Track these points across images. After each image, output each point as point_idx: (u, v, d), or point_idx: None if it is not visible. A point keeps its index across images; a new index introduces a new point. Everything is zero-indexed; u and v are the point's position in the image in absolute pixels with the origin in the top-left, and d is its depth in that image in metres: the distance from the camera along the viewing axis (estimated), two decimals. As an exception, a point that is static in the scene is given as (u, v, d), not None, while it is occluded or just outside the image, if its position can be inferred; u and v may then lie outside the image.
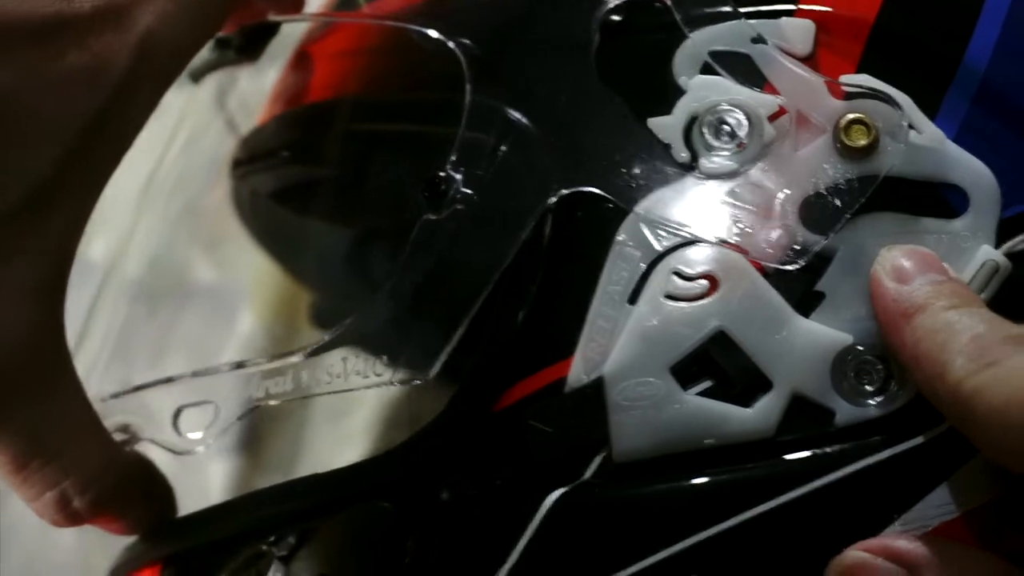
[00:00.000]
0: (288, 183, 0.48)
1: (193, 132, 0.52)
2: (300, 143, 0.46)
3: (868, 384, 0.36)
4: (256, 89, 0.51)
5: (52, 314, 0.38)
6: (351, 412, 0.72)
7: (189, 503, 0.70)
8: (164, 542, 0.42)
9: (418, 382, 0.39)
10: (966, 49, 0.38)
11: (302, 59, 0.48)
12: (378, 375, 0.39)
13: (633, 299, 0.37)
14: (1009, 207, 0.37)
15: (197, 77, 0.50)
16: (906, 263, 0.35)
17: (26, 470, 0.38)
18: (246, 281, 0.70)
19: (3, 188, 0.35)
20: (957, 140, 0.37)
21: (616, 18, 0.41)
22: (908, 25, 0.38)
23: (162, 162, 0.53)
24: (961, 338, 0.32)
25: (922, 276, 0.34)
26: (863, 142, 0.37)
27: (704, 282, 0.37)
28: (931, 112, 0.38)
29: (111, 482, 0.40)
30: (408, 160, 0.43)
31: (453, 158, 0.39)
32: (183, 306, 0.67)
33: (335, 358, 0.39)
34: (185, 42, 0.39)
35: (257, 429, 0.71)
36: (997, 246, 0.37)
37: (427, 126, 0.42)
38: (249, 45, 0.47)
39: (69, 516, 0.40)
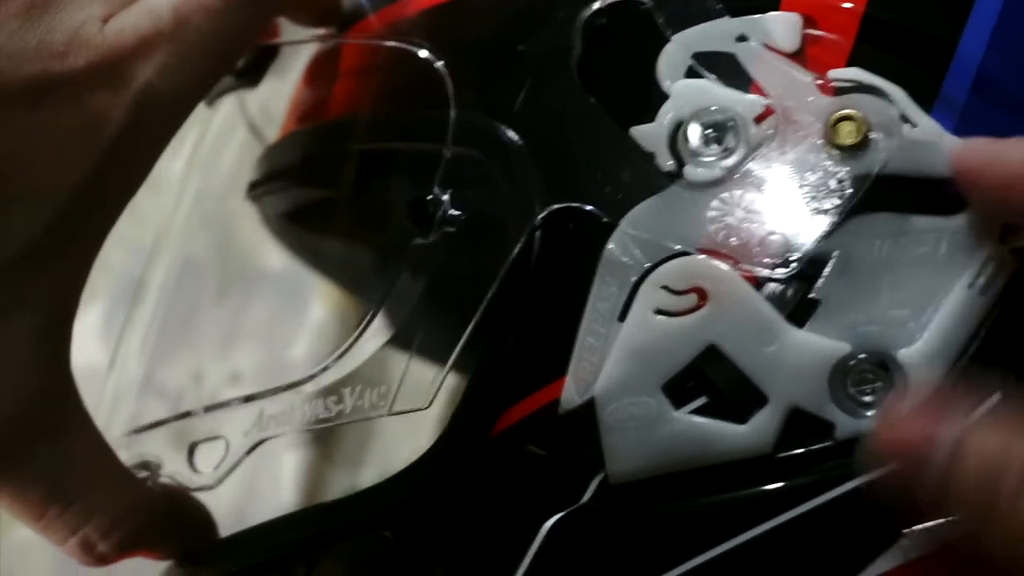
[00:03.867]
0: (299, 203, 0.48)
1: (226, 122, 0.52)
2: (305, 164, 0.45)
3: (868, 395, 0.35)
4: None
5: (57, 363, 0.38)
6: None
7: (262, 496, 0.71)
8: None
9: (417, 411, 0.38)
10: (962, 35, 0.36)
11: (310, 75, 0.48)
12: (375, 407, 0.38)
13: (623, 316, 0.36)
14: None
15: (209, 101, 0.50)
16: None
17: (45, 517, 0.38)
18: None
19: None
20: (956, 132, 0.35)
21: (600, 21, 0.39)
22: (900, 13, 0.37)
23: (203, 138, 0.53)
24: None
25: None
26: (852, 140, 0.36)
27: (693, 296, 0.36)
28: (927, 104, 0.36)
29: (139, 521, 0.40)
30: (402, 179, 0.42)
31: (440, 178, 0.38)
32: (253, 293, 0.67)
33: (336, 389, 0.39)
34: (185, 95, 0.38)
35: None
36: (1001, 241, 0.35)
37: (418, 144, 0.41)
38: (249, 70, 0.47)
39: (96, 558, 0.40)
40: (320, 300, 0.75)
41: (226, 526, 0.47)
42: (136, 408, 0.48)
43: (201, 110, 0.49)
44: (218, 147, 0.53)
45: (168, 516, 0.42)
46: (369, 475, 0.41)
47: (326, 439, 0.74)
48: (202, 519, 0.43)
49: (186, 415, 0.43)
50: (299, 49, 0.48)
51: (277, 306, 0.74)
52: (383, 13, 0.44)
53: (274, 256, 0.67)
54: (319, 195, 0.47)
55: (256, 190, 0.48)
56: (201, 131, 0.54)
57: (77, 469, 0.39)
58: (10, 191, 0.35)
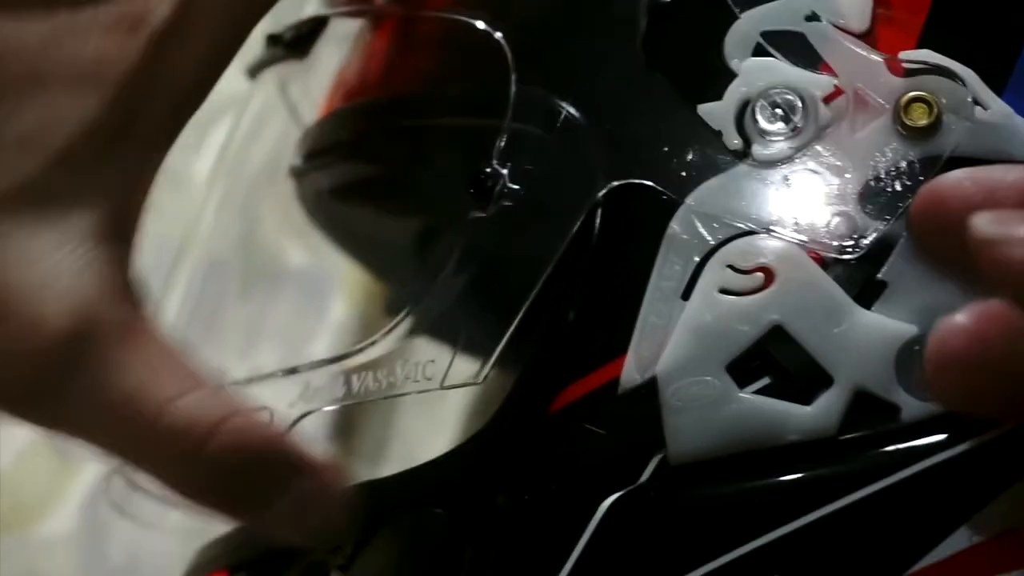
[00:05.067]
0: (346, 180, 0.47)
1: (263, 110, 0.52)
2: (355, 141, 0.45)
3: (935, 377, 0.34)
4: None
5: (120, 266, 0.35)
6: (445, 396, 0.71)
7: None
8: (231, 550, 0.42)
9: (469, 385, 0.37)
10: (1035, 17, 0.36)
11: (358, 50, 0.47)
12: (427, 379, 0.38)
13: (687, 294, 0.36)
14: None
15: (253, 73, 0.49)
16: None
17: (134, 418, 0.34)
18: (338, 267, 0.70)
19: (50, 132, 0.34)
20: (1028, 114, 0.35)
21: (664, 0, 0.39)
22: (972, -5, 0.36)
23: (232, 138, 0.52)
24: None
25: None
26: (925, 121, 0.35)
27: (759, 275, 0.35)
28: (999, 85, 0.35)
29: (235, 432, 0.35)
30: (458, 155, 0.42)
31: (498, 152, 0.38)
32: (275, 291, 0.67)
33: (385, 362, 0.39)
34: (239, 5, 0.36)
35: (348, 415, 0.70)
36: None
37: (476, 119, 0.40)
38: (300, 41, 0.46)
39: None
40: (341, 299, 0.75)
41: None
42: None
43: (234, 100, 0.48)
44: (248, 143, 0.52)
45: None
46: (391, 470, 0.40)
47: (346, 433, 0.73)
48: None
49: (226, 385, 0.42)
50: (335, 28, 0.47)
51: (299, 305, 0.73)
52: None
53: (297, 255, 0.66)
54: (369, 171, 0.46)
55: (303, 165, 0.47)
56: (231, 129, 0.53)
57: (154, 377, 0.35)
58: (51, 75, 0.33)
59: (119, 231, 0.35)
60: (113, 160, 0.35)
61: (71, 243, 0.34)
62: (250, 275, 0.60)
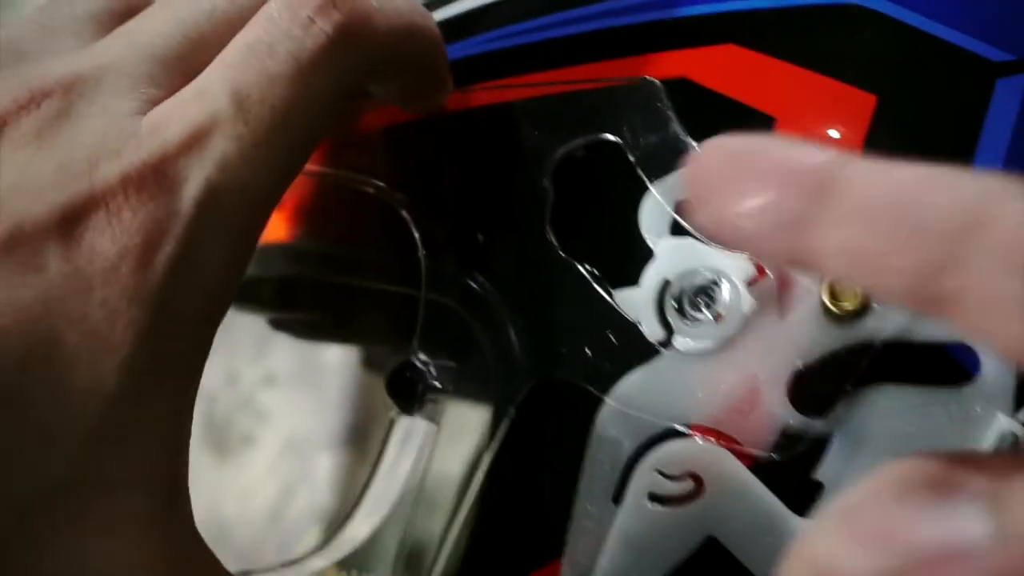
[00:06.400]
0: (277, 314, 0.46)
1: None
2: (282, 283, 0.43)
3: (878, 584, 0.33)
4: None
5: (183, 531, 0.31)
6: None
7: (299, 498, 0.71)
8: None
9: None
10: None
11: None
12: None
13: (617, 497, 0.34)
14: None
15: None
16: None
17: None
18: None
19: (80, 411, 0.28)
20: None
21: (580, 154, 0.36)
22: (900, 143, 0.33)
23: None
24: None
25: None
26: (852, 306, 0.33)
27: (689, 481, 0.34)
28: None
29: None
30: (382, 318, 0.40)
31: (417, 342, 0.36)
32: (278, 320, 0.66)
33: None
34: (260, 185, 0.30)
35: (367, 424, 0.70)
36: (1016, 410, 0.32)
37: (392, 285, 0.39)
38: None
39: None
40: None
41: (266, 527, 0.46)
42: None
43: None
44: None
45: None
46: (390, 526, 0.40)
47: (360, 441, 0.73)
48: None
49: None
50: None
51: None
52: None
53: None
54: (300, 316, 0.45)
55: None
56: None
57: None
58: (67, 346, 0.28)
59: (170, 494, 0.30)
60: (143, 427, 0.29)
61: (126, 533, 0.29)
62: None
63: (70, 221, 0.28)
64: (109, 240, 0.28)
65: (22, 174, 0.28)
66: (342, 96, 0.32)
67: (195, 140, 0.29)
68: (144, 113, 0.30)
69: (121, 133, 0.29)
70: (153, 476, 0.30)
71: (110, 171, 0.29)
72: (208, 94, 0.30)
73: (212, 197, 0.29)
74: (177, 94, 0.30)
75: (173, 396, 0.30)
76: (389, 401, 0.37)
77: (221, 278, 0.30)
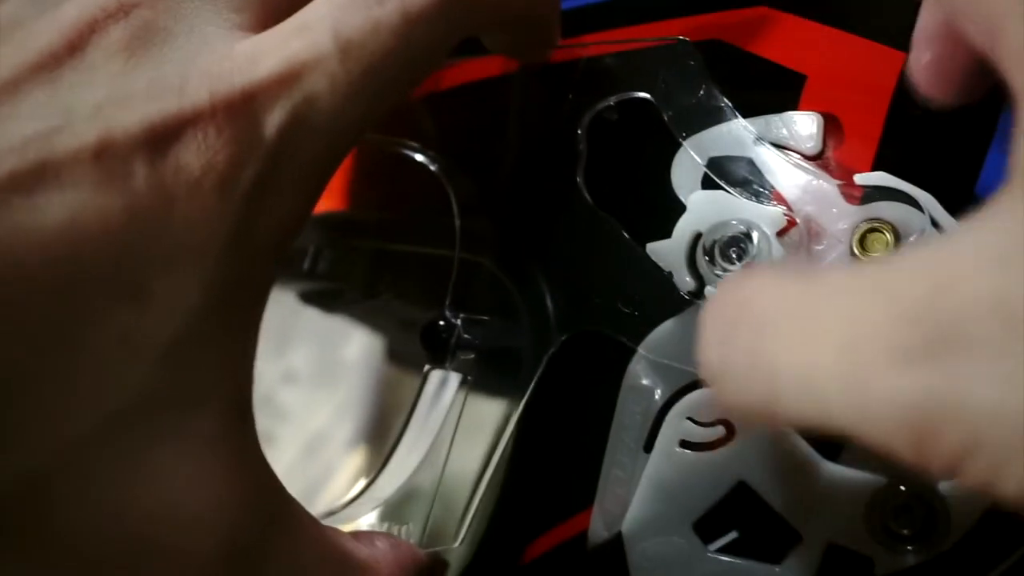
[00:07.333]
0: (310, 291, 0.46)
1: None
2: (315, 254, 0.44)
3: (906, 528, 0.33)
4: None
5: (252, 457, 0.31)
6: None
7: (322, 493, 0.71)
8: None
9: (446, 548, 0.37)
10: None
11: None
12: (408, 538, 0.37)
13: (648, 446, 0.35)
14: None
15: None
16: None
17: None
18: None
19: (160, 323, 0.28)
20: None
21: (612, 117, 0.37)
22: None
23: None
24: None
25: None
26: (883, 253, 0.33)
27: (720, 427, 0.34)
28: (960, 205, 0.33)
29: None
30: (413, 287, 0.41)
31: (449, 301, 0.37)
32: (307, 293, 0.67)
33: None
34: (345, 124, 0.30)
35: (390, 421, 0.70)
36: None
37: (426, 248, 0.39)
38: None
39: None
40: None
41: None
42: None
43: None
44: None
45: None
46: (424, 474, 0.40)
47: (380, 437, 0.73)
48: None
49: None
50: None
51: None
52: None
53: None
54: (332, 286, 0.45)
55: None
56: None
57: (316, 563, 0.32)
58: (148, 257, 0.28)
59: (242, 420, 0.31)
60: (219, 343, 0.30)
61: (198, 453, 0.29)
62: (282, 276, 0.60)
63: (159, 135, 0.28)
64: (195, 156, 0.28)
65: (115, 84, 0.28)
66: (444, 51, 0.32)
67: (292, 75, 0.29)
68: (232, 34, 0.30)
69: (213, 55, 0.29)
70: (226, 393, 0.30)
71: (202, 91, 0.28)
72: (311, 31, 0.29)
73: (296, 130, 0.29)
74: (279, 26, 0.30)
75: (247, 313, 0.30)
76: (413, 393, 0.38)
77: (293, 209, 0.30)
